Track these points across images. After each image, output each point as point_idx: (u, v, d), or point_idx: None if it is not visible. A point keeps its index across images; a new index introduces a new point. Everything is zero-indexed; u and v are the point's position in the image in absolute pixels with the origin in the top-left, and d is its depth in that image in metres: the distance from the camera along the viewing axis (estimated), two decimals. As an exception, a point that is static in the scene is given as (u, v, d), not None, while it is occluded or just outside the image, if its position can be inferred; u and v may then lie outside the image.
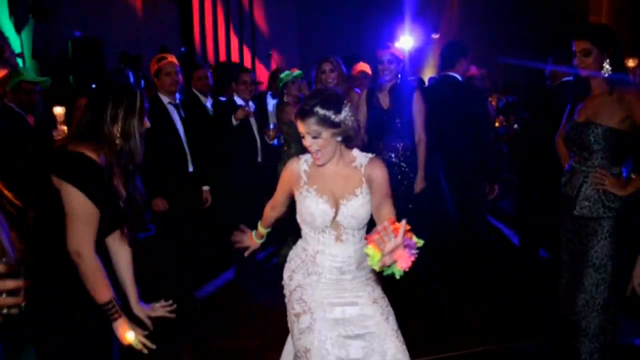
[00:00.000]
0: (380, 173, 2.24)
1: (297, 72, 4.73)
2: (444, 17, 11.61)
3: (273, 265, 5.04)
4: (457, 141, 4.08)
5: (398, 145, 3.96)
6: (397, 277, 1.66)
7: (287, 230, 4.38)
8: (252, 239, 2.66)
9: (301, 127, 2.18)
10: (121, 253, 2.30)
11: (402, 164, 3.95)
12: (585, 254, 2.66)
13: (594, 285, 2.63)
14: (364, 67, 5.44)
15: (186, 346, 3.64)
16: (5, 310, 1.33)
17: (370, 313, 2.29)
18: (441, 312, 3.94)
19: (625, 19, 8.24)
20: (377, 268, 1.67)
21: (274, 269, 4.93)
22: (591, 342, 2.65)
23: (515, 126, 5.12)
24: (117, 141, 2.07)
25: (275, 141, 4.87)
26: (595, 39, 2.62)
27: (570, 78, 4.08)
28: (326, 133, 2.15)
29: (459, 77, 4.14)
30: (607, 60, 2.61)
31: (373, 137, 4.01)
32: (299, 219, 2.36)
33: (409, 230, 1.67)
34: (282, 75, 4.67)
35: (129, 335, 2.08)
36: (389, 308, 2.37)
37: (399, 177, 3.92)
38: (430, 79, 7.28)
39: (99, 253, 2.08)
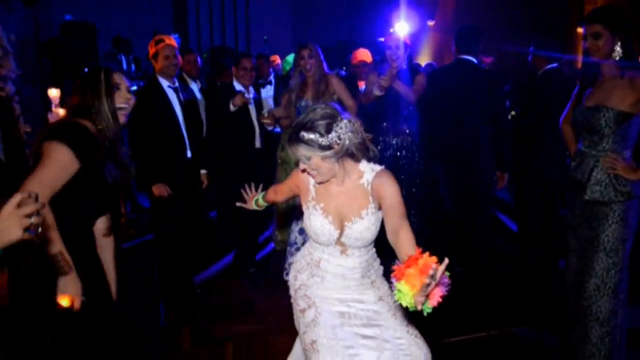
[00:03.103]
0: (389, 189, 2.12)
1: None
2: (439, 4, 11.53)
3: (271, 251, 5.01)
4: (470, 129, 4.00)
5: (403, 128, 4.00)
6: (425, 313, 1.58)
7: (289, 215, 4.36)
8: (252, 202, 2.66)
9: (291, 152, 2.11)
10: (106, 245, 2.33)
11: (404, 151, 3.96)
12: (595, 239, 2.64)
13: (605, 269, 2.62)
14: (363, 55, 5.39)
15: (185, 331, 3.61)
16: (35, 229, 1.46)
17: (377, 309, 2.26)
18: (446, 298, 3.92)
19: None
20: (405, 305, 1.59)
21: (272, 255, 4.92)
22: (602, 327, 2.64)
23: (513, 113, 5.10)
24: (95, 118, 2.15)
25: (278, 129, 4.80)
26: (607, 22, 2.59)
27: (554, 65, 4.09)
28: (316, 157, 2.05)
29: (475, 61, 4.07)
30: (619, 44, 2.59)
31: (378, 120, 4.02)
32: (305, 226, 2.33)
33: (436, 262, 1.57)
34: (288, 58, 4.61)
35: (64, 302, 2.04)
36: (397, 304, 2.32)
37: (403, 162, 3.93)
38: (427, 66, 7.23)
39: (85, 236, 2.09)
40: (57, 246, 2.00)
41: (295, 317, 2.36)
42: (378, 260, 2.40)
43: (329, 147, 2.02)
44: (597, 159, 2.65)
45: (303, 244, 4.26)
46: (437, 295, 1.59)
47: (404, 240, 1.93)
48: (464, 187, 4.10)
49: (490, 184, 4.14)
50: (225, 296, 4.17)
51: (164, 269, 4.00)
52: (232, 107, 4.24)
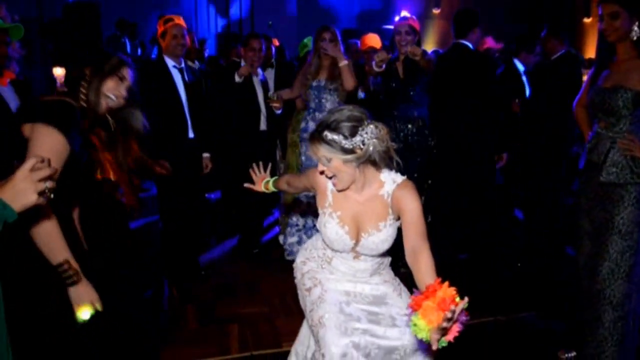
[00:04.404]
0: (411, 204, 2.02)
1: None
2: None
3: (276, 235, 4.99)
4: (466, 110, 4.00)
5: (414, 114, 3.97)
6: (440, 347, 1.54)
7: (296, 201, 4.34)
8: (261, 184, 2.64)
9: (312, 151, 2.02)
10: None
11: (415, 136, 3.95)
12: (610, 221, 2.60)
13: (619, 252, 2.57)
14: (372, 41, 5.32)
15: (190, 312, 3.59)
16: (49, 193, 1.44)
17: (383, 290, 2.28)
18: (454, 284, 3.91)
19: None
20: (420, 337, 1.56)
21: (277, 238, 4.89)
22: (615, 311, 2.60)
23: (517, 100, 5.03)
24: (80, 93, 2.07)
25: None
26: (624, 1, 2.54)
27: (563, 51, 4.05)
28: (337, 160, 1.95)
29: (471, 46, 4.06)
30: (636, 23, 2.53)
31: (389, 106, 4.00)
32: (319, 230, 2.27)
33: (455, 297, 1.56)
34: (305, 41, 4.58)
35: (84, 313, 1.91)
36: (402, 286, 2.36)
37: (415, 147, 3.92)
38: (432, 53, 7.18)
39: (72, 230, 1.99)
40: (63, 254, 1.87)
41: (300, 297, 2.35)
42: (388, 258, 2.38)
43: (351, 151, 1.92)
44: (613, 141, 2.60)
45: (304, 225, 4.28)
46: (454, 332, 1.54)
47: (424, 266, 1.85)
48: (466, 172, 4.09)
49: (492, 168, 4.13)
50: (230, 278, 4.14)
51: (168, 250, 3.98)
52: (237, 78, 4.21)
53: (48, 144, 1.84)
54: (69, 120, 1.92)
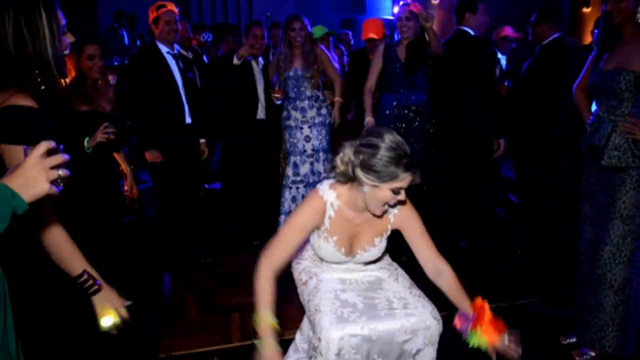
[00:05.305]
0: (416, 226, 2.15)
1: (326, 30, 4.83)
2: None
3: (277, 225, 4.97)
4: (466, 96, 3.98)
5: (413, 99, 3.96)
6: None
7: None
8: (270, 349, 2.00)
9: (404, 182, 1.92)
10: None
11: (417, 117, 3.95)
12: (612, 205, 2.59)
13: (620, 237, 2.57)
14: (373, 30, 5.26)
15: (191, 301, 3.59)
16: (62, 182, 1.30)
17: (378, 276, 2.30)
18: (455, 271, 3.91)
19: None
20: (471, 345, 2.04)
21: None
22: (616, 295, 2.60)
23: (506, 83, 4.99)
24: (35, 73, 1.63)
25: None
26: None
27: (557, 35, 4.01)
28: None
29: (471, 32, 4.03)
30: (640, 5, 2.52)
31: (389, 91, 3.98)
32: (313, 246, 2.28)
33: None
34: (313, 28, 4.58)
35: (107, 320, 1.77)
36: (399, 270, 2.37)
37: (413, 133, 3.90)
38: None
39: None
40: (80, 264, 1.74)
41: (300, 293, 2.36)
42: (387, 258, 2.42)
43: None
44: (615, 124, 2.58)
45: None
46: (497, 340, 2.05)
47: (452, 284, 2.17)
48: (465, 158, 4.07)
49: (489, 154, 4.11)
50: (231, 267, 4.13)
51: (167, 239, 3.98)
52: (236, 60, 4.23)
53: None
54: (26, 128, 1.60)
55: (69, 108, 3.19)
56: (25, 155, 1.26)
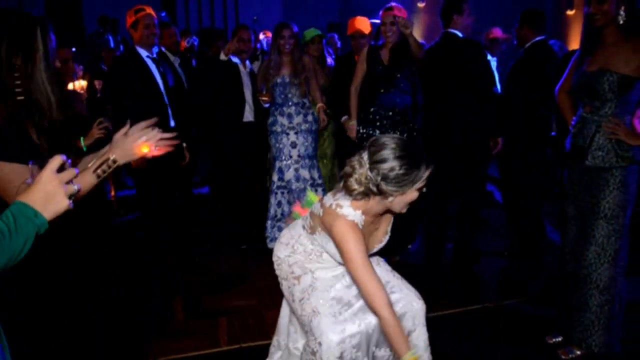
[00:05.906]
0: None
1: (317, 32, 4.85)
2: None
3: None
4: (456, 99, 3.99)
5: (397, 101, 3.95)
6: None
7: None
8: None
9: (426, 177, 1.99)
10: None
11: (402, 120, 3.95)
12: (596, 206, 2.61)
13: (605, 236, 2.59)
14: (360, 24, 5.14)
15: (178, 304, 3.57)
16: (73, 196, 1.25)
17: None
18: (442, 273, 3.95)
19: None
20: None
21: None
22: (602, 295, 2.61)
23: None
24: (18, 91, 1.59)
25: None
26: None
27: (541, 37, 4.03)
28: None
29: (459, 34, 4.04)
30: (622, 8, 2.54)
31: (372, 93, 3.98)
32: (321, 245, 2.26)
33: None
34: (305, 32, 4.60)
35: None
36: (389, 267, 2.41)
37: (401, 133, 3.92)
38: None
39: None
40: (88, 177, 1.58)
41: (285, 287, 2.32)
42: None
43: None
44: (598, 124, 2.60)
45: (282, 214, 4.31)
46: None
47: None
48: (454, 161, 4.08)
49: (482, 156, 4.12)
50: (218, 271, 4.12)
51: (153, 243, 3.96)
52: (222, 56, 4.26)
53: (6, 175, 1.53)
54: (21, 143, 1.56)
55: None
56: (31, 171, 1.22)
